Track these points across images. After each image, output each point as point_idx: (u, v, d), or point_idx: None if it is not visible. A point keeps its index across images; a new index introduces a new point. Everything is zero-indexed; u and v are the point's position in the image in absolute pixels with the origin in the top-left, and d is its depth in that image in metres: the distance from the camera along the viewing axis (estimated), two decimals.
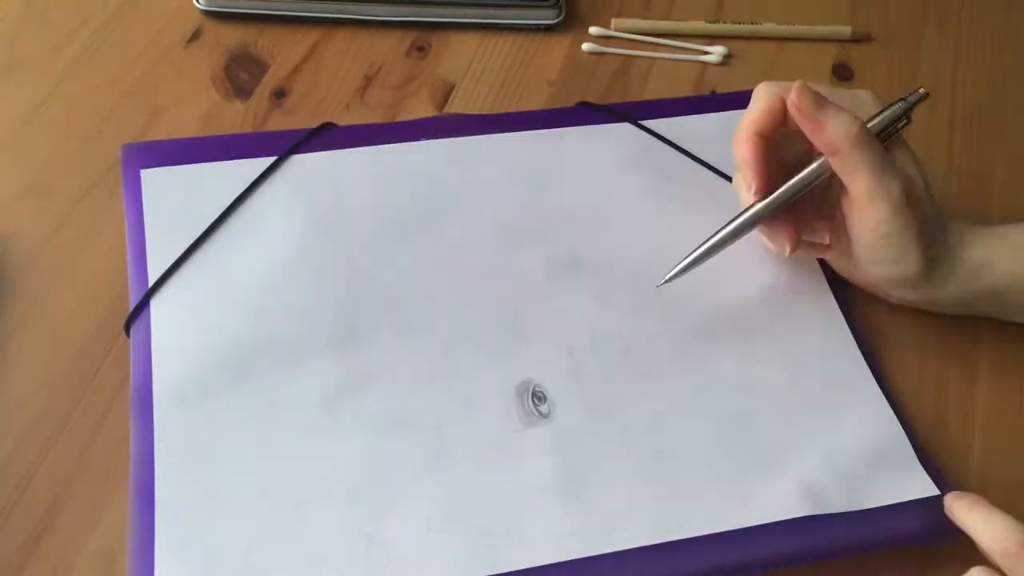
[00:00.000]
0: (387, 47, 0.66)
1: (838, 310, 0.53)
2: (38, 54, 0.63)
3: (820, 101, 0.48)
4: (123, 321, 0.49)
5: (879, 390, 0.50)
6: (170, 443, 0.45)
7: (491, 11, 0.67)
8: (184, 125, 0.60)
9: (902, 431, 0.48)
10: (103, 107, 0.61)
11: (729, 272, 0.53)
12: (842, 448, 0.47)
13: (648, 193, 0.56)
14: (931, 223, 0.49)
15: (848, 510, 0.45)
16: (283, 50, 0.65)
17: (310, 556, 0.43)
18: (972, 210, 0.58)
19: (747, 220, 0.50)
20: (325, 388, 0.48)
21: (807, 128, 0.48)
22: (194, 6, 0.66)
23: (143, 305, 0.50)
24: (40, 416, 0.47)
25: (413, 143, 0.57)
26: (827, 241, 0.52)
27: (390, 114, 0.62)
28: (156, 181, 0.54)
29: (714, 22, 0.68)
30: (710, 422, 0.48)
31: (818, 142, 0.48)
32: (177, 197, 0.54)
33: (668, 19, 0.68)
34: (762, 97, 0.50)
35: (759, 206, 0.50)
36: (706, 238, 0.50)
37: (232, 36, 0.66)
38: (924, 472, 0.46)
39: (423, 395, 0.48)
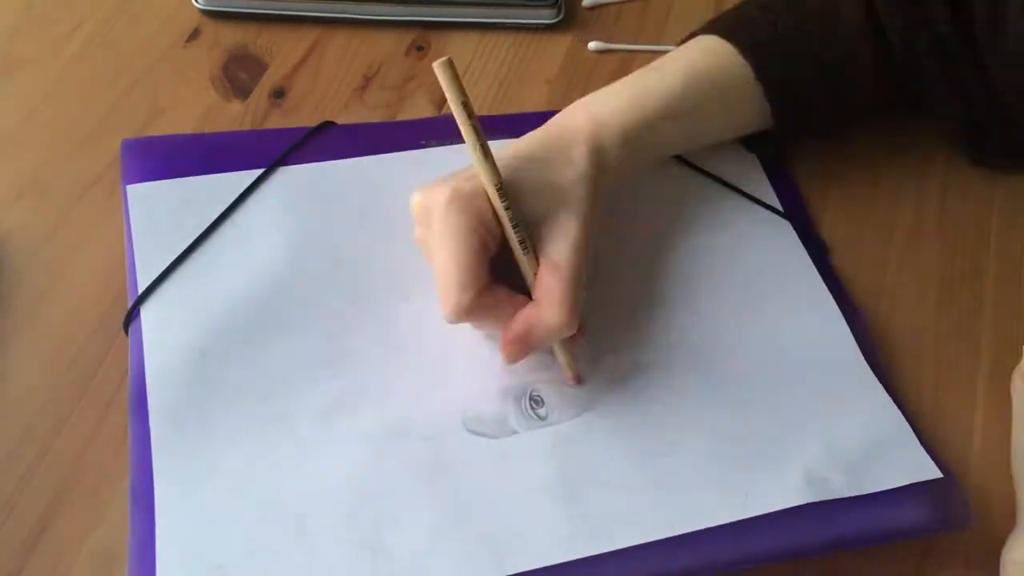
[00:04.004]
0: (386, 47, 0.66)
1: (832, 301, 0.53)
2: (37, 54, 0.63)
3: (522, 340, 0.46)
4: (122, 320, 0.49)
5: (876, 380, 0.50)
6: (167, 447, 0.45)
7: (491, 11, 0.67)
8: (183, 125, 0.60)
9: (903, 417, 0.48)
10: (102, 107, 0.61)
11: (724, 269, 0.54)
12: (843, 435, 0.47)
13: (639, 193, 0.56)
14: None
15: (852, 495, 0.45)
16: (282, 50, 0.65)
17: (313, 569, 0.42)
18: (971, 208, 0.58)
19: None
20: (323, 401, 0.47)
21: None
22: (193, 5, 0.66)
23: (140, 306, 0.49)
24: (40, 415, 0.47)
25: (403, 153, 0.57)
26: None
27: (389, 114, 0.62)
28: (143, 196, 0.53)
29: None
30: (710, 417, 0.48)
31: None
32: (164, 211, 0.52)
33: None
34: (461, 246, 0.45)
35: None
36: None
37: (231, 35, 0.66)
38: (927, 456, 0.46)
39: (420, 405, 0.47)
